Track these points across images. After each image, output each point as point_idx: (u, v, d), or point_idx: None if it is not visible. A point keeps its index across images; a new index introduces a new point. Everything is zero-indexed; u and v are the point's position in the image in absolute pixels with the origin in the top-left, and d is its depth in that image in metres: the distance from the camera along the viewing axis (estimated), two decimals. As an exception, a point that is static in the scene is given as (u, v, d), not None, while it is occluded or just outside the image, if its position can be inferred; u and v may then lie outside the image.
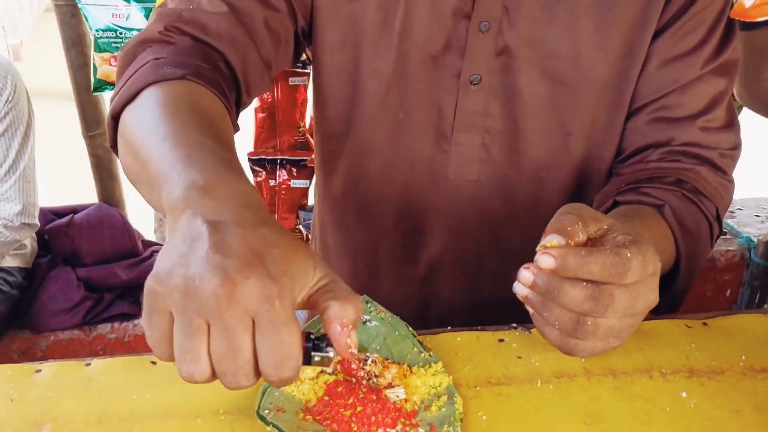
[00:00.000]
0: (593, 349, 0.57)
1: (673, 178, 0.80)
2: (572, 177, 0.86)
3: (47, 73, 4.58)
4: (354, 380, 0.59)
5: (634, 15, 0.77)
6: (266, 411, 0.54)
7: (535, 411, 0.58)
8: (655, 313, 0.65)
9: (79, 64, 2.02)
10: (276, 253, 0.46)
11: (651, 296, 0.57)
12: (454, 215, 0.87)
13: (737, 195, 0.90)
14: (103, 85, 1.96)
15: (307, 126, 2.40)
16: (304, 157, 2.33)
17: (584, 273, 0.54)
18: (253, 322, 0.44)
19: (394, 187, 0.87)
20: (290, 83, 2.21)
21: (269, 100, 2.24)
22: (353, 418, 0.54)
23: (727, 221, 2.30)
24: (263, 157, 2.31)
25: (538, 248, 0.56)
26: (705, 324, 0.69)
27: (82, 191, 2.62)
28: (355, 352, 0.48)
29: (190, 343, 0.45)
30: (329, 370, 0.60)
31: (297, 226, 2.42)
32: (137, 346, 2.01)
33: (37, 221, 1.87)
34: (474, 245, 0.89)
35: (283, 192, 2.38)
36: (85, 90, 2.04)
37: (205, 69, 0.69)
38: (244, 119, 0.79)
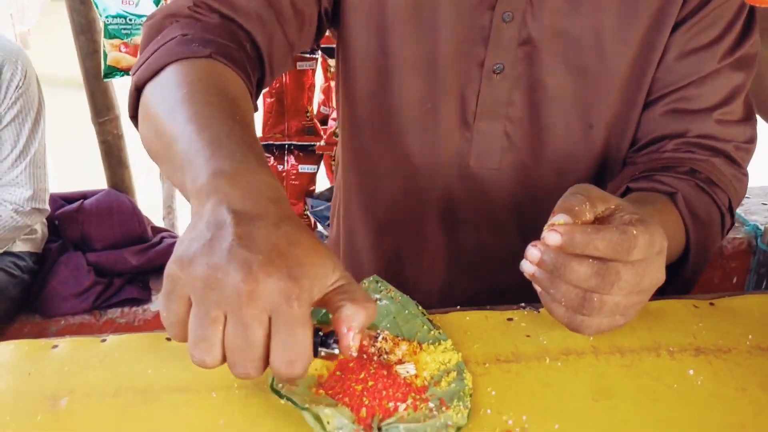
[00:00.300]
0: (599, 326, 0.58)
1: (687, 167, 0.80)
2: (592, 168, 0.86)
3: (55, 61, 4.58)
4: (365, 356, 0.59)
5: (656, 8, 0.78)
6: (280, 385, 0.55)
7: (543, 387, 0.58)
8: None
9: (88, 51, 2.03)
10: (298, 252, 0.47)
11: (657, 274, 0.58)
12: (476, 203, 0.88)
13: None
14: (113, 71, 1.97)
15: (315, 111, 2.40)
16: (313, 143, 2.33)
17: (590, 249, 0.54)
18: (269, 319, 0.46)
19: (420, 175, 0.88)
20: (298, 68, 2.21)
21: (277, 84, 2.24)
22: (365, 393, 0.55)
23: (735, 209, 2.30)
24: (271, 142, 2.32)
25: (545, 227, 0.57)
26: (712, 304, 0.70)
27: (91, 179, 2.64)
28: (355, 355, 0.49)
29: (205, 333, 0.46)
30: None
31: (305, 213, 2.43)
32: (147, 330, 2.02)
33: (47, 206, 1.89)
34: (497, 233, 0.89)
35: (292, 178, 2.39)
36: (95, 76, 2.05)
37: (232, 48, 0.69)
38: (252, 104, 0.80)
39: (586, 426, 0.55)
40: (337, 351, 0.50)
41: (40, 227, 1.99)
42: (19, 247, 1.91)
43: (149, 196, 2.74)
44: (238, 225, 0.46)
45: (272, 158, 2.36)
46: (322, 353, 0.50)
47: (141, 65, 0.68)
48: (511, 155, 0.85)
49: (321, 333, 0.50)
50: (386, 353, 0.60)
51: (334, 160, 2.50)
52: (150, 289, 2.07)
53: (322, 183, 2.59)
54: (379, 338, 0.61)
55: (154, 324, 2.01)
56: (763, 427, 0.55)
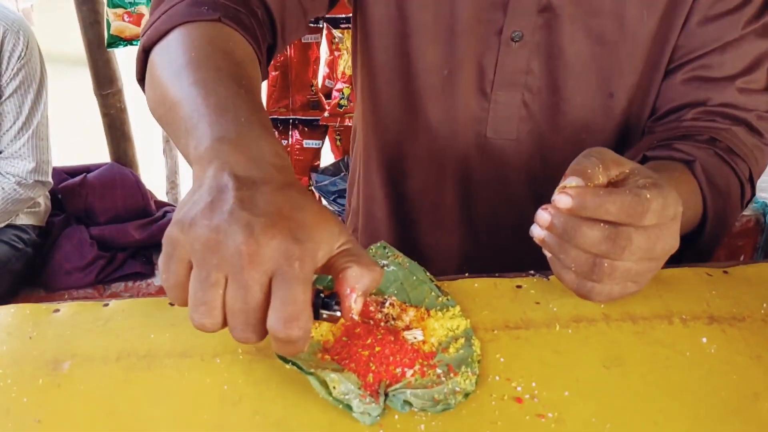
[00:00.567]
0: (610, 293, 0.57)
1: (706, 136, 0.78)
2: (612, 138, 0.84)
3: (57, 37, 4.56)
4: (372, 322, 0.58)
5: None
6: (285, 349, 0.54)
7: (553, 354, 0.57)
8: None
9: (90, 21, 2.01)
10: (303, 216, 0.46)
11: (670, 241, 0.56)
12: (493, 174, 0.87)
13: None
14: (116, 40, 1.95)
15: (320, 85, 2.38)
16: (317, 117, 2.31)
17: (602, 213, 0.53)
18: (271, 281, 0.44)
19: (438, 143, 0.87)
20: (303, 41, 2.19)
21: (281, 58, 2.22)
22: (371, 359, 0.54)
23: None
24: (276, 117, 2.30)
25: (556, 190, 0.56)
26: (725, 272, 0.68)
27: (94, 153, 2.63)
28: (357, 318, 0.48)
29: (205, 296, 0.45)
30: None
31: (309, 187, 2.42)
32: (151, 304, 2.03)
33: (50, 179, 1.88)
34: (515, 203, 0.88)
35: (296, 152, 2.37)
36: (97, 47, 2.03)
37: (242, 14, 0.68)
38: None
39: (596, 393, 0.54)
40: (338, 314, 0.48)
41: (43, 200, 1.98)
42: (23, 220, 1.90)
43: (152, 170, 2.73)
44: (240, 189, 0.45)
45: (276, 133, 2.35)
46: (324, 315, 0.48)
47: (149, 27, 0.67)
48: (529, 125, 0.83)
49: (323, 295, 0.48)
50: (393, 319, 0.59)
51: (338, 135, 2.48)
52: (153, 264, 2.07)
53: (326, 159, 2.58)
54: (387, 304, 0.60)
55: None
56: (778, 395, 0.54)
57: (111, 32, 1.94)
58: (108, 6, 1.91)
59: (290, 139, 2.36)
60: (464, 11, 0.79)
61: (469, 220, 0.91)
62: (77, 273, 1.95)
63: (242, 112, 0.53)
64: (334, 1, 0.84)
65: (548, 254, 0.58)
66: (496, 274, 0.68)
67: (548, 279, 0.67)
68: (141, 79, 0.70)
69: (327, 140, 2.49)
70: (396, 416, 0.51)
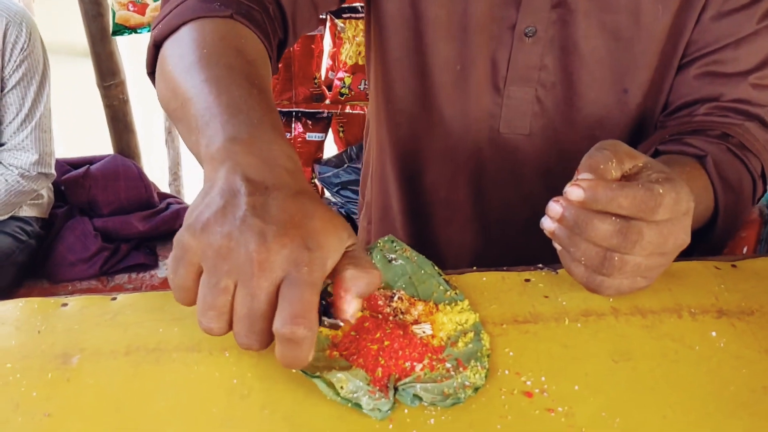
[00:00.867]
0: (619, 287, 0.57)
1: (718, 131, 0.78)
2: (626, 134, 0.84)
3: (59, 28, 4.55)
4: (380, 316, 0.58)
5: None
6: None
7: (562, 348, 0.57)
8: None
9: (93, 14, 2.00)
10: (314, 224, 0.46)
11: (682, 236, 0.56)
12: (506, 169, 0.86)
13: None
14: (121, 29, 1.95)
15: (323, 78, 2.37)
16: (320, 110, 2.31)
17: (614, 207, 0.53)
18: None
19: (452, 138, 0.87)
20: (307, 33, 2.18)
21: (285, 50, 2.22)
22: (380, 353, 0.54)
23: (746, 178, 2.27)
24: (279, 109, 2.30)
25: (569, 184, 0.55)
26: (734, 266, 0.68)
27: (97, 145, 2.63)
28: (351, 321, 0.48)
29: (214, 301, 0.45)
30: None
31: (312, 180, 2.41)
32: (154, 296, 2.03)
33: (53, 171, 1.88)
34: (527, 198, 0.88)
35: (299, 145, 2.37)
36: (100, 40, 2.03)
37: (254, 10, 0.68)
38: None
39: (605, 387, 0.53)
40: (341, 323, 0.48)
41: (46, 192, 1.98)
42: (26, 211, 1.90)
43: (155, 162, 2.73)
44: (252, 194, 0.46)
45: (280, 125, 2.34)
46: (326, 322, 0.48)
47: (161, 21, 0.67)
48: (542, 121, 0.83)
49: (324, 302, 0.48)
50: (402, 313, 0.59)
51: (341, 126, 2.48)
52: (157, 255, 2.07)
53: (329, 150, 2.58)
54: (395, 298, 0.60)
55: (161, 290, 2.01)
56: (788, 389, 0.54)
57: (116, 21, 1.94)
58: (113, -5, 1.91)
59: (293, 132, 2.36)
60: (477, 7, 0.78)
61: (482, 214, 0.91)
62: (81, 264, 1.95)
63: (255, 113, 0.53)
64: None
65: (558, 247, 0.58)
66: (504, 268, 0.68)
67: (557, 272, 0.66)
68: (151, 72, 0.69)
69: (330, 133, 2.49)
70: (406, 410, 0.51)
